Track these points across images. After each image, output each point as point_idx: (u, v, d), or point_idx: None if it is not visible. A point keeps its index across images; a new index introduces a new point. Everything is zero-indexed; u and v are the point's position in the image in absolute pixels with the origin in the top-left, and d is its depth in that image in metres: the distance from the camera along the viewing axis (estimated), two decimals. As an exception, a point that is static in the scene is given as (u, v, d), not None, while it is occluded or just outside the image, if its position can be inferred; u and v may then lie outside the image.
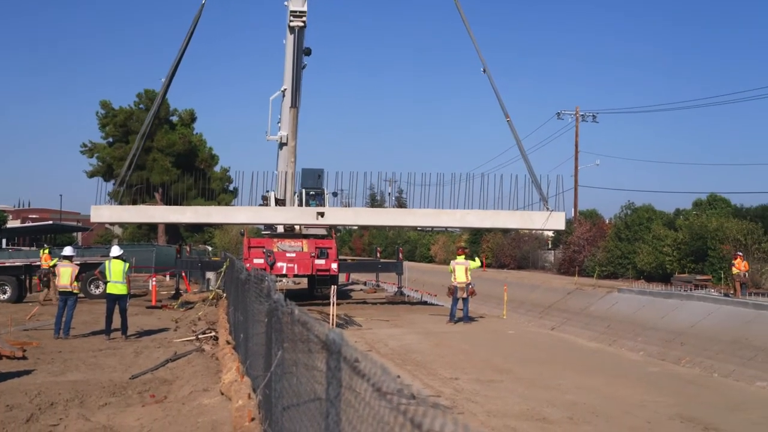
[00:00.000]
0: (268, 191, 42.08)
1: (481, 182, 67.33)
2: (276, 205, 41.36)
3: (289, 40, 40.59)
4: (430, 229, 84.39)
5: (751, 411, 17.47)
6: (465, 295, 32.74)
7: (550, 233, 69.12)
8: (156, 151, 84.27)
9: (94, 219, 39.71)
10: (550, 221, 35.36)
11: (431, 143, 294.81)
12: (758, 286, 38.04)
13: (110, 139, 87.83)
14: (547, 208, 35.36)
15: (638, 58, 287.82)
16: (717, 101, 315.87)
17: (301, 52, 40.68)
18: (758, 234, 43.94)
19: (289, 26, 39.99)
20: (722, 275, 40.38)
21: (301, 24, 39.67)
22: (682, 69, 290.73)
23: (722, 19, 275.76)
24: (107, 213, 38.41)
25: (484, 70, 37.91)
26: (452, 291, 33.00)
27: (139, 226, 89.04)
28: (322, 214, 36.61)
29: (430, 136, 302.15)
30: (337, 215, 38.17)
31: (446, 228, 71.04)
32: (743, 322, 29.25)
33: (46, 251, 40.76)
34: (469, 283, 32.75)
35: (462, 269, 32.77)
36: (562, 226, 36.70)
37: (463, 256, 34.25)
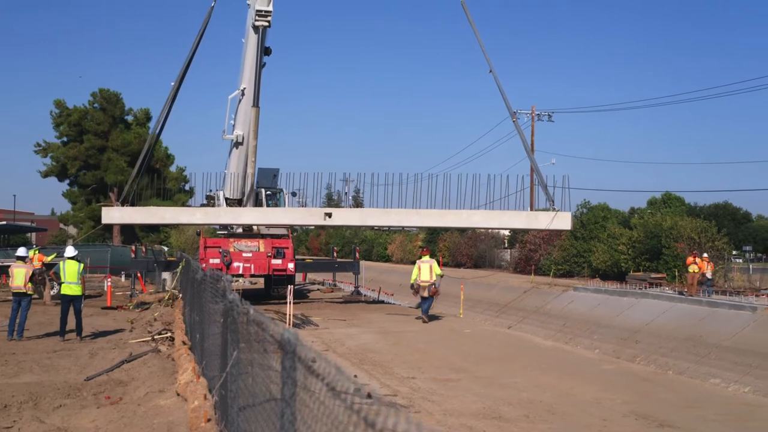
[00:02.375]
0: (211, 190, 41.88)
1: (444, 181, 67.38)
2: (227, 204, 41.18)
3: (251, 39, 40.17)
4: (386, 228, 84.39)
5: (705, 408, 17.64)
6: (428, 294, 33.08)
7: (506, 232, 69.36)
8: (111, 151, 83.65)
9: (104, 220, 39.32)
10: (556, 221, 34.89)
11: (386, 143, 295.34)
12: (712, 284, 38.37)
13: (64, 139, 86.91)
14: (554, 208, 35.07)
15: (593, 57, 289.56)
16: (671, 100, 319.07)
17: (263, 51, 40.43)
18: (711, 232, 44.36)
19: (253, 26, 39.60)
20: (676, 273, 40.71)
21: (266, 24, 39.36)
22: (637, 68, 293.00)
23: (679, 17, 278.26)
24: (117, 214, 38.05)
25: (491, 71, 37.73)
26: (416, 290, 33.37)
27: (94, 226, 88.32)
28: (329, 215, 36.41)
29: (385, 136, 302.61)
30: (344, 216, 37.96)
31: (403, 227, 70.96)
32: (697, 320, 29.51)
33: (37, 251, 40.59)
34: (433, 283, 33.08)
35: (427, 268, 33.17)
36: (568, 226, 35.96)
37: (428, 256, 34.65)
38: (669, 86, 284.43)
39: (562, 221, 34.97)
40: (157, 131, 41.40)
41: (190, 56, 39.51)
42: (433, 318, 34.20)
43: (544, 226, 35.92)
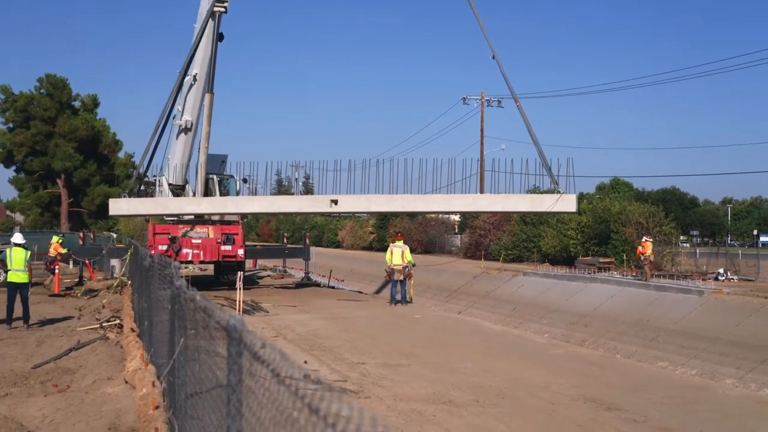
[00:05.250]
0: (146, 176, 41.47)
1: (399, 166, 67.40)
2: (171, 191, 40.77)
3: (207, 25, 39.79)
4: (336, 214, 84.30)
5: (652, 391, 17.79)
6: (402, 278, 33.55)
7: (457, 217, 69.54)
8: (58, 137, 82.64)
9: (112, 212, 38.76)
10: (560, 203, 34.32)
11: (336, 130, 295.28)
12: (660, 268, 38.74)
13: (11, 125, 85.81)
14: (558, 191, 34.68)
15: (542, 43, 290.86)
16: (618, 87, 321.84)
17: (218, 37, 40.07)
18: (659, 217, 44.76)
19: (209, 11, 39.21)
20: (624, 258, 41.05)
21: (223, 9, 39.07)
22: (585, 55, 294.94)
23: (629, 1, 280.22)
24: (125, 206, 37.51)
25: (494, 57, 37.26)
26: (390, 273, 33.82)
27: (42, 213, 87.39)
28: (336, 202, 36.00)
29: (334, 123, 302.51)
30: (350, 203, 37.64)
31: (353, 213, 70.88)
32: (645, 304, 29.80)
33: (59, 240, 40.92)
34: (406, 266, 33.52)
35: (399, 252, 33.67)
36: (573, 208, 35.25)
37: (402, 240, 35.00)
38: (617, 73, 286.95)
39: (567, 203, 34.44)
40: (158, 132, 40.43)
41: (191, 55, 39.14)
42: (409, 302, 34.74)
43: (549, 208, 35.34)
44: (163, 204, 39.37)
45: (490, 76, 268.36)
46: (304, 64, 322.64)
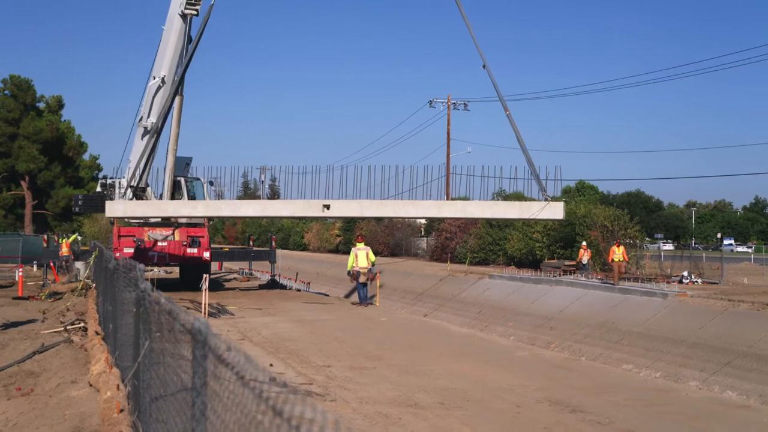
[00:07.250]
0: (105, 177, 41.00)
1: (363, 172, 67.78)
2: (133, 194, 40.53)
3: (176, 27, 39.58)
4: (299, 217, 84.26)
5: (616, 393, 17.90)
6: (365, 280, 33.95)
7: (423, 221, 69.62)
8: (22, 138, 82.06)
9: (108, 214, 38.34)
10: (547, 210, 34.29)
11: (299, 133, 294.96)
12: (624, 271, 38.95)
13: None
14: (546, 198, 34.64)
15: (509, 46, 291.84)
16: (583, 90, 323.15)
17: (188, 40, 39.93)
18: (624, 220, 44.97)
19: (181, 14, 39.09)
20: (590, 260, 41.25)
21: (195, 12, 39.00)
22: (549, 58, 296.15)
23: (591, 7, 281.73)
24: (121, 208, 37.19)
25: (484, 66, 37.08)
26: (355, 276, 34.15)
27: (5, 215, 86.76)
28: (328, 207, 35.87)
29: (299, 126, 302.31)
30: (342, 208, 37.52)
31: (345, 218, 70.81)
32: (610, 307, 29.95)
33: (65, 239, 40.97)
34: (370, 269, 33.89)
35: (363, 255, 34.22)
36: (560, 215, 35.28)
37: (363, 243, 35.37)
38: (581, 77, 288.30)
39: (555, 211, 34.49)
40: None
41: (188, 60, 38.87)
42: (371, 303, 34.95)
43: (536, 215, 35.35)
44: (159, 206, 39.20)
45: (456, 78, 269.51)
46: (267, 68, 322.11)
